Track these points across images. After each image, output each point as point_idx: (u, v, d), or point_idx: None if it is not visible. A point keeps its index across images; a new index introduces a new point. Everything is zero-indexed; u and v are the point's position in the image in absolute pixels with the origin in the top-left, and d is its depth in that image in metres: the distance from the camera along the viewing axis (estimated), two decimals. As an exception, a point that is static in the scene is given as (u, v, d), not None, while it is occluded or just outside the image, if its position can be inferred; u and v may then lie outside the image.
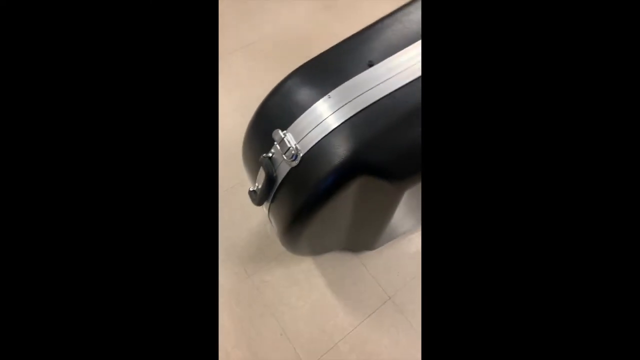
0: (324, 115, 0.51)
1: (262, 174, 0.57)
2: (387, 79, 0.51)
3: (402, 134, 0.49)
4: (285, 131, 0.52)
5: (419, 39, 0.53)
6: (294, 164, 0.51)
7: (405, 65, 0.51)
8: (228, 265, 0.84)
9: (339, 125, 0.50)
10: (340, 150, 0.49)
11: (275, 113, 0.55)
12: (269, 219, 0.64)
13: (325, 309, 0.80)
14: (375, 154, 0.50)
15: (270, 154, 0.54)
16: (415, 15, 0.55)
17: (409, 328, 0.78)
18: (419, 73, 0.51)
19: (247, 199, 0.63)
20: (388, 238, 0.80)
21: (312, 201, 0.52)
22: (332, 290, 0.82)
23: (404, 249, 0.87)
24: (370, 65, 0.52)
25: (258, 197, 0.59)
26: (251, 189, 0.61)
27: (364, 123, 0.49)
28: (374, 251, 0.84)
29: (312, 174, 0.51)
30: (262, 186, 0.57)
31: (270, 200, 0.58)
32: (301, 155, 0.51)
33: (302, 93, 0.53)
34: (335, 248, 0.82)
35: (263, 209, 0.64)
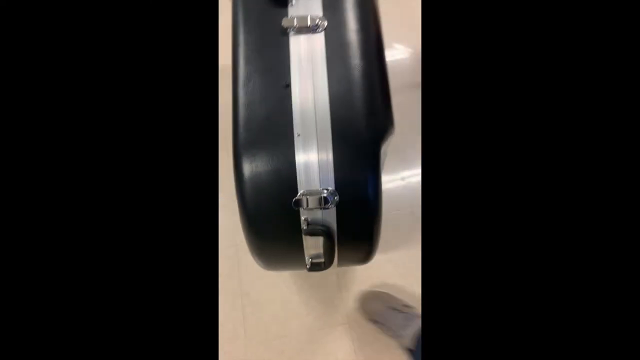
0: (313, 151, 0.50)
1: (311, 242, 0.54)
2: (311, 92, 0.52)
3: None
4: (301, 192, 0.50)
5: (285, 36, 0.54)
6: (337, 199, 0.50)
7: (307, 69, 0.53)
8: None
9: (334, 143, 0.50)
10: (358, 154, 0.50)
11: (269, 193, 0.51)
12: (338, 266, 0.62)
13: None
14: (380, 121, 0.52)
15: (306, 219, 0.52)
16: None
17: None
18: (321, 62, 0.53)
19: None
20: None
21: (377, 206, 0.52)
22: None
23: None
24: (287, 86, 0.52)
25: (326, 261, 0.57)
26: (310, 265, 0.58)
27: (347, 121, 0.51)
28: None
29: (355, 192, 0.51)
30: (325, 248, 0.54)
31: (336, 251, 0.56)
32: (333, 189, 0.50)
33: (274, 158, 0.50)
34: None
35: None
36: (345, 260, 0.61)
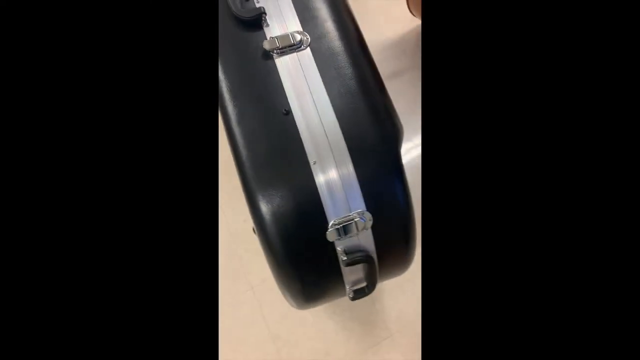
0: (334, 175, 0.46)
1: (352, 271, 0.50)
2: (315, 114, 0.48)
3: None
4: (332, 222, 0.46)
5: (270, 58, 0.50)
6: (370, 223, 0.46)
7: (303, 89, 0.49)
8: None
9: (353, 161, 0.46)
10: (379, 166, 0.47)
11: (297, 231, 0.47)
12: (379, 282, 0.58)
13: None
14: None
15: (343, 250, 0.47)
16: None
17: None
18: (316, 79, 0.49)
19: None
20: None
21: (409, 212, 0.49)
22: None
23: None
24: (287, 113, 0.47)
25: (369, 285, 0.52)
26: (352, 294, 0.54)
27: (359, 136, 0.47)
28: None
29: (387, 205, 0.47)
30: (366, 272, 0.50)
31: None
32: (364, 209, 0.46)
33: (293, 193, 0.46)
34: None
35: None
36: (386, 276, 0.57)
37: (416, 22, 1.01)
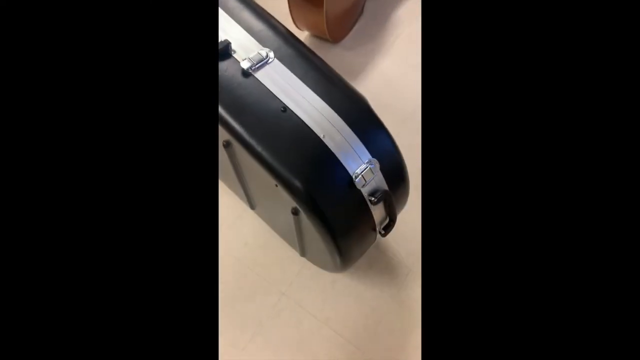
0: (342, 140, 0.58)
1: (377, 209, 0.62)
2: (306, 102, 0.59)
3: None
4: (354, 172, 0.58)
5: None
6: (379, 166, 0.59)
7: (289, 88, 0.60)
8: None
9: (347, 123, 0.59)
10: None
11: (334, 188, 0.58)
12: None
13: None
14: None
15: (368, 193, 0.59)
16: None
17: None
18: (295, 78, 0.60)
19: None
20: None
21: (399, 154, 0.63)
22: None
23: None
24: (285, 110, 0.58)
25: (392, 219, 0.65)
26: (383, 230, 0.66)
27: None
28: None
29: (382, 149, 0.61)
30: (386, 208, 0.63)
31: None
32: (371, 157, 0.59)
33: (318, 163, 0.57)
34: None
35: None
36: (397, 209, 0.70)
37: (305, 33, 1.16)
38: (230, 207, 0.96)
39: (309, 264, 0.88)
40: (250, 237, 0.94)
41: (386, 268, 0.97)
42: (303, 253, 0.82)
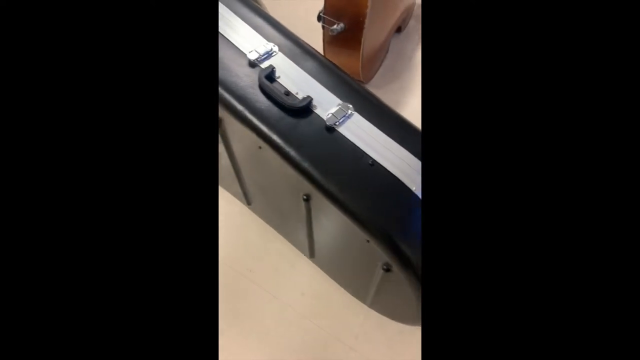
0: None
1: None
2: (393, 156, 0.59)
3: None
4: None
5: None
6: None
7: (375, 144, 0.60)
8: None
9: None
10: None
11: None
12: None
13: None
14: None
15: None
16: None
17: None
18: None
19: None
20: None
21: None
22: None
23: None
24: (373, 164, 0.57)
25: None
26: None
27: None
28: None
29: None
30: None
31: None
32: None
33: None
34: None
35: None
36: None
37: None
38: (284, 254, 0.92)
39: (371, 313, 0.85)
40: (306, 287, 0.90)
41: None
42: (371, 304, 0.79)
